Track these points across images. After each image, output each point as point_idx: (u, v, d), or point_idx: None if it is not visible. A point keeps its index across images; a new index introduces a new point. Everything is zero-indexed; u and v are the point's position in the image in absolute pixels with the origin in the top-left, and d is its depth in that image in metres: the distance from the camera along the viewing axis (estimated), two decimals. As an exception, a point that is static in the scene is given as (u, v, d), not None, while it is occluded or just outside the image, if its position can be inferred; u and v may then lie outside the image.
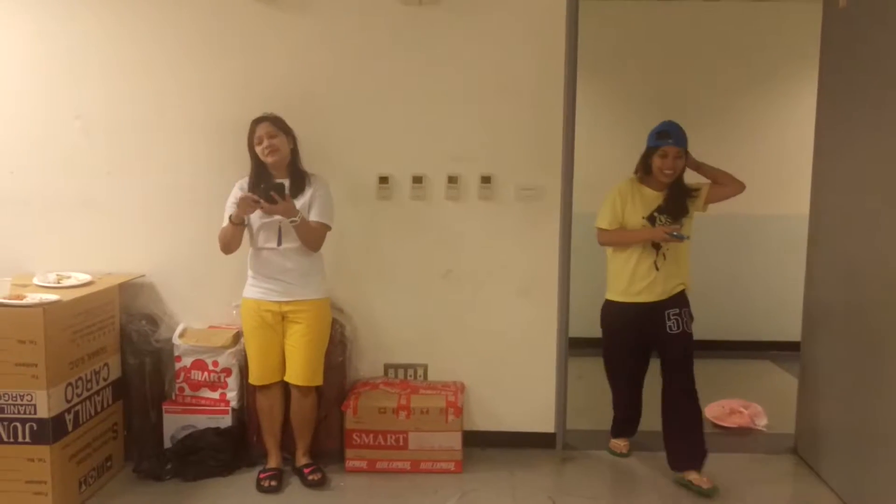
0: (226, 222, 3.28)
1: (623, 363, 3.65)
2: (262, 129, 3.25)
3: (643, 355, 3.64)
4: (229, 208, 3.30)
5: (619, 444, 3.81)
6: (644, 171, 3.45)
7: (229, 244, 3.29)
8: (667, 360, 3.45)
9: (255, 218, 3.26)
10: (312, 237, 3.28)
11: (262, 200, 3.11)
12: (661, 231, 3.35)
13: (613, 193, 3.48)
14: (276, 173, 3.29)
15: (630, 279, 3.46)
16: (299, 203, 3.25)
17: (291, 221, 3.17)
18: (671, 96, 5.61)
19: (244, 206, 3.15)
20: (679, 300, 3.46)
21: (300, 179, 3.32)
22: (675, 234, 3.31)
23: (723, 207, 5.61)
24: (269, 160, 3.24)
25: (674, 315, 3.42)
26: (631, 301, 3.48)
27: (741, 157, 5.62)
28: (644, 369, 3.68)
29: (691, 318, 3.48)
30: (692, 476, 3.38)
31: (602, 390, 3.84)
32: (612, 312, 3.57)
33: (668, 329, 3.41)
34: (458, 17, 3.63)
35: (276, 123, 3.29)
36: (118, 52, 3.66)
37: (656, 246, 3.44)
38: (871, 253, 3.10)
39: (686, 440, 3.44)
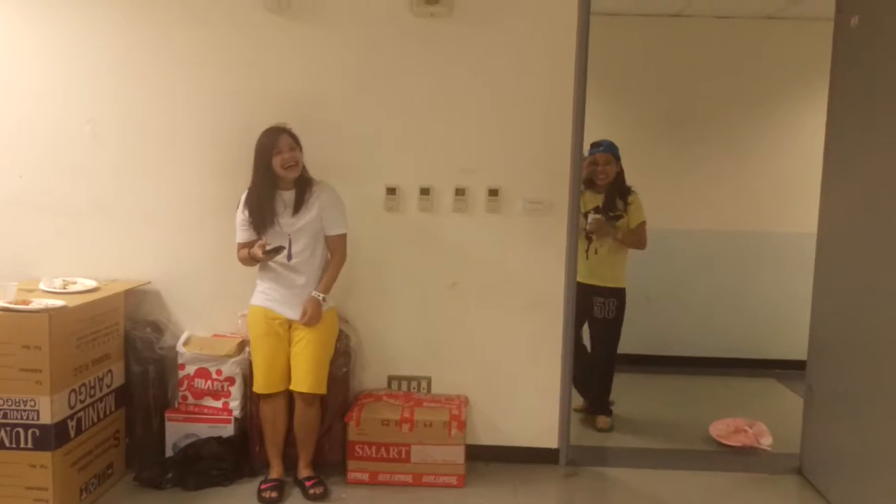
0: (239, 237, 3.31)
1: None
2: (283, 141, 3.21)
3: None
4: (241, 226, 3.31)
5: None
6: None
7: (249, 264, 3.33)
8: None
9: (267, 233, 3.26)
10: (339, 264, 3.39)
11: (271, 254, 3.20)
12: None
13: None
14: (284, 185, 3.28)
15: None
16: (307, 216, 3.25)
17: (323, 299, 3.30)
18: (680, 111, 5.63)
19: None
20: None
21: (306, 192, 3.29)
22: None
23: (729, 224, 5.72)
24: (289, 175, 3.22)
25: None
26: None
27: (750, 173, 5.66)
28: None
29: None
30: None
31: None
32: None
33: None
34: (468, 30, 3.63)
35: (294, 136, 3.27)
36: (130, 57, 3.68)
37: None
38: (880, 273, 3.08)
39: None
